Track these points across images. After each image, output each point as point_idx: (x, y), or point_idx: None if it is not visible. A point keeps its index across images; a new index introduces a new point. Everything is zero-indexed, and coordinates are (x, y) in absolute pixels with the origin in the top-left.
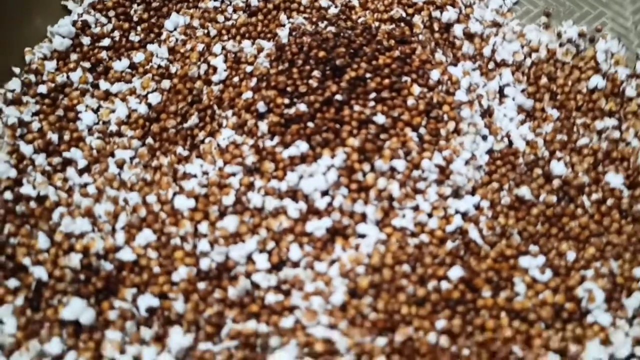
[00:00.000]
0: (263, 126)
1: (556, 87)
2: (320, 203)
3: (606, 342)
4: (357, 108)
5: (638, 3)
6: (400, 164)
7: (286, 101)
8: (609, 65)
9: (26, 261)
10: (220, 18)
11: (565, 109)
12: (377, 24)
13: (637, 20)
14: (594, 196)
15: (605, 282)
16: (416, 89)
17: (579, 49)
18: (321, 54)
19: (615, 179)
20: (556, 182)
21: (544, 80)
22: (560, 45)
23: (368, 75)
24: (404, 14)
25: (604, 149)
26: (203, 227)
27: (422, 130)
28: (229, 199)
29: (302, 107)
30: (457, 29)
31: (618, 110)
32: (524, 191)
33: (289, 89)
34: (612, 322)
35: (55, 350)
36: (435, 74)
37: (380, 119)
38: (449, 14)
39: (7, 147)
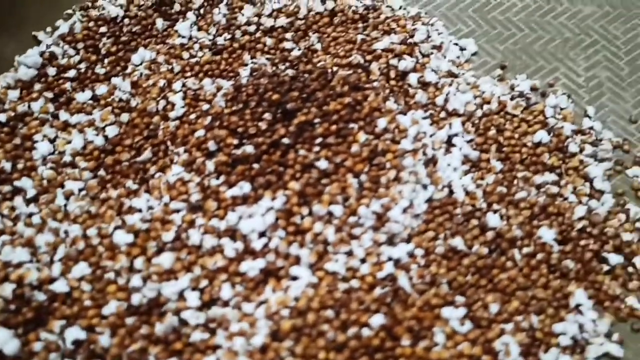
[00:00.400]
0: (210, 165)
1: (503, 139)
2: (257, 244)
3: None
4: (302, 152)
5: (591, 60)
6: (337, 210)
7: (235, 142)
8: (556, 120)
9: None
10: (186, 55)
11: (509, 162)
12: (335, 68)
13: (590, 76)
14: (525, 250)
15: (524, 337)
16: (362, 137)
17: (530, 102)
18: (275, 96)
19: (547, 233)
20: (490, 234)
21: (492, 131)
22: (512, 98)
23: (317, 120)
24: (362, 61)
25: (541, 203)
26: (139, 262)
27: (363, 177)
28: (169, 235)
29: (249, 149)
30: (412, 78)
31: (560, 166)
32: (457, 242)
33: (239, 129)
34: None
35: None
36: (382, 122)
37: (323, 164)
38: (406, 63)
39: None
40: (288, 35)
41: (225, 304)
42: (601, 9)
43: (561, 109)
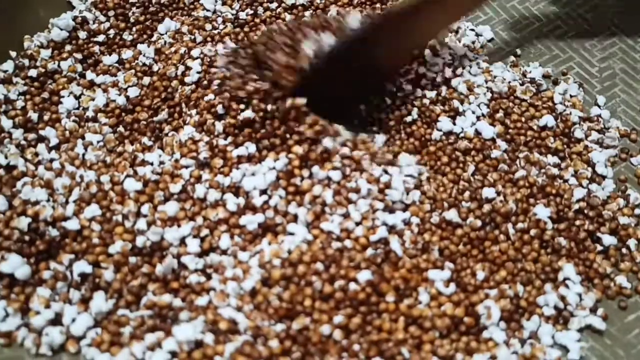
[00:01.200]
0: (219, 126)
1: (510, 121)
2: (258, 200)
3: (495, 357)
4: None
5: (607, 52)
6: (336, 175)
7: (242, 106)
8: (564, 107)
9: None
10: (208, 27)
11: (514, 143)
12: None
13: (604, 67)
14: (520, 225)
15: (507, 303)
16: None
17: (540, 88)
18: None
19: (543, 211)
20: (486, 207)
21: (500, 114)
22: (522, 83)
23: None
24: None
25: (540, 183)
26: (145, 208)
27: None
28: (176, 187)
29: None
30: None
31: (563, 150)
32: (452, 214)
33: None
34: (506, 341)
35: None
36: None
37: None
38: None
39: None
40: (307, 13)
41: (223, 252)
42: (622, 1)
43: (571, 96)
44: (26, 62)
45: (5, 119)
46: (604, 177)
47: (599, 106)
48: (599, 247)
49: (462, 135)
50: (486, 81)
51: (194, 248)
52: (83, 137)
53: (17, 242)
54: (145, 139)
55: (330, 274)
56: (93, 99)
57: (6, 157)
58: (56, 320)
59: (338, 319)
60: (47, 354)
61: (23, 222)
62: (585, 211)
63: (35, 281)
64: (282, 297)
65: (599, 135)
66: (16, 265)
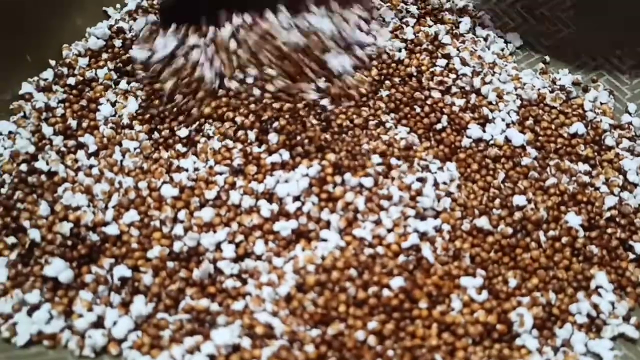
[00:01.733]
0: (251, 135)
1: (540, 129)
2: (291, 207)
3: None
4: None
5: (637, 59)
6: (368, 182)
7: None
8: (595, 114)
9: (26, 224)
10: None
11: (544, 150)
12: None
13: (634, 74)
14: (551, 233)
15: (540, 311)
16: None
17: (570, 95)
18: None
19: (574, 219)
20: (517, 215)
21: (529, 121)
22: (552, 91)
23: None
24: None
25: (571, 191)
26: (182, 214)
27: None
28: (211, 194)
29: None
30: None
31: (594, 157)
32: (483, 221)
33: None
34: (539, 348)
35: (33, 300)
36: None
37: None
38: (448, 50)
39: (31, 127)
40: None
41: (258, 257)
42: None
43: (601, 103)
44: (65, 70)
45: (46, 126)
46: (635, 185)
47: (630, 113)
48: (632, 256)
49: (492, 142)
50: (515, 88)
51: (229, 253)
52: (120, 144)
53: (60, 247)
54: (179, 146)
55: (363, 280)
56: (126, 106)
57: (47, 164)
58: (98, 323)
59: (372, 324)
60: (90, 356)
61: (65, 227)
62: (617, 219)
63: (77, 285)
64: (317, 302)
65: (630, 142)
66: (60, 269)
